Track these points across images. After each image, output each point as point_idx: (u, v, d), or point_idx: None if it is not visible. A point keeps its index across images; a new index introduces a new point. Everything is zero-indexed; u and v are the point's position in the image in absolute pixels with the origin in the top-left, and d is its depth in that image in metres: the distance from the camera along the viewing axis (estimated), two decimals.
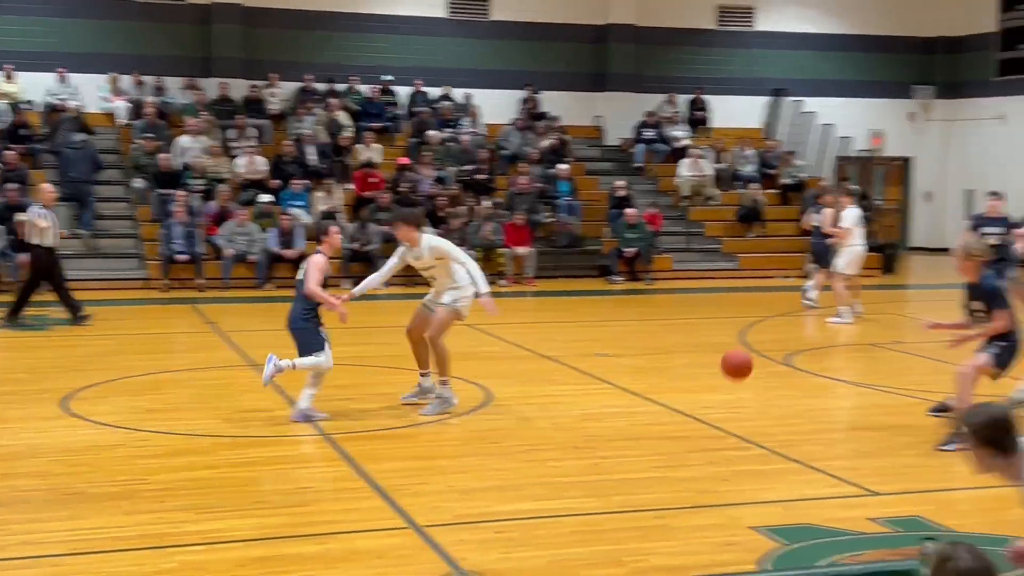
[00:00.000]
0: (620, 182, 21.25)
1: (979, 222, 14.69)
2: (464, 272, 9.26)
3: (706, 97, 24.36)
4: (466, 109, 22.84)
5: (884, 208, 23.99)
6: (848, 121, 24.86)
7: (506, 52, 23.83)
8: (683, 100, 24.16)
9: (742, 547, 6.12)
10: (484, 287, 9.20)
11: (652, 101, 23.88)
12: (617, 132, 23.90)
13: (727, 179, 22.86)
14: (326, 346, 8.95)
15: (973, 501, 7.13)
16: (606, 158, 23.61)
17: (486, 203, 20.20)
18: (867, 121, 25.82)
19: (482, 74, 23.52)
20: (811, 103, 24.62)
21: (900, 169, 26.68)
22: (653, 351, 12.72)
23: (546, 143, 22.10)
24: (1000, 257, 12.55)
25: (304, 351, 8.93)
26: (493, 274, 19.42)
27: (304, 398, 8.99)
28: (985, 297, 8.33)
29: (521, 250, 19.58)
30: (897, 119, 26.28)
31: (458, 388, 10.56)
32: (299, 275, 9.14)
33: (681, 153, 22.83)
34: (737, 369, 8.11)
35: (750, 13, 25.14)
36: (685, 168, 22.19)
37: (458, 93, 23.17)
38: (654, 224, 20.63)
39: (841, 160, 24.53)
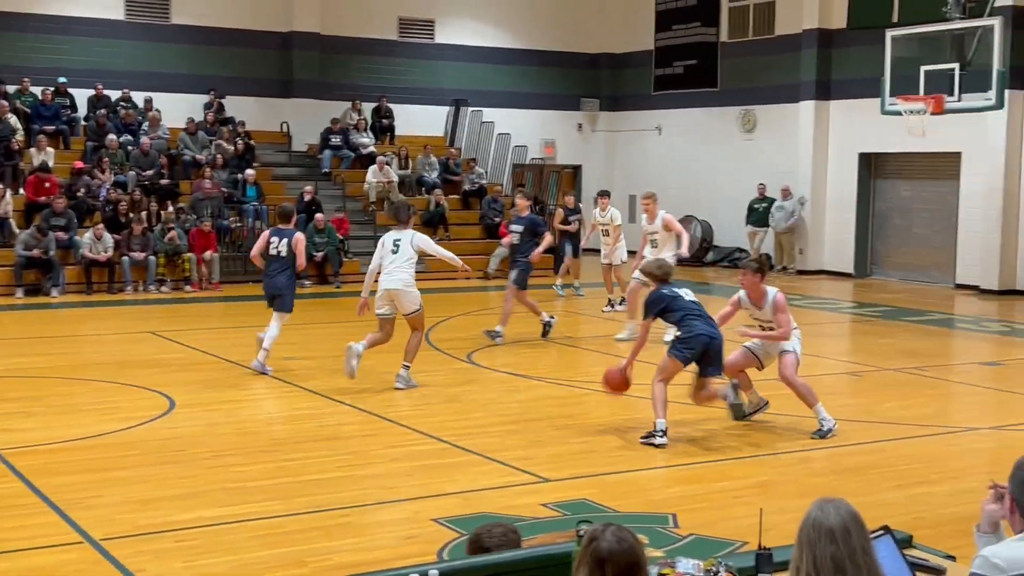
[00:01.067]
0: (308, 187, 21.01)
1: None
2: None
3: (391, 105, 24.51)
4: (146, 114, 21.87)
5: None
6: (524, 131, 25.73)
7: (189, 56, 23.02)
8: (368, 108, 24.20)
9: (424, 539, 6.19)
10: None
11: (338, 108, 23.77)
12: (304, 138, 23.63)
13: (412, 185, 23.10)
14: None
15: (634, 482, 7.53)
16: (293, 163, 23.28)
17: (170, 208, 19.44)
18: (541, 131, 26.83)
19: (164, 78, 22.60)
20: (490, 113, 25.29)
21: (571, 176, 27.88)
22: (342, 353, 12.64)
23: (231, 148, 21.52)
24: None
25: None
26: (178, 280, 18.74)
27: None
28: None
29: (206, 255, 18.98)
30: (568, 129, 27.46)
31: (139, 397, 10.11)
32: None
33: (368, 159, 22.86)
34: (615, 387, 8.78)
35: (430, 26, 25.51)
36: (372, 174, 22.24)
37: (139, 97, 22.16)
38: (342, 229, 20.54)
39: (517, 167, 25.34)
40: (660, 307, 8.66)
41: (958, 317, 17.26)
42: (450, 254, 11.46)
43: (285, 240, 11.31)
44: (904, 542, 4.04)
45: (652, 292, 8.94)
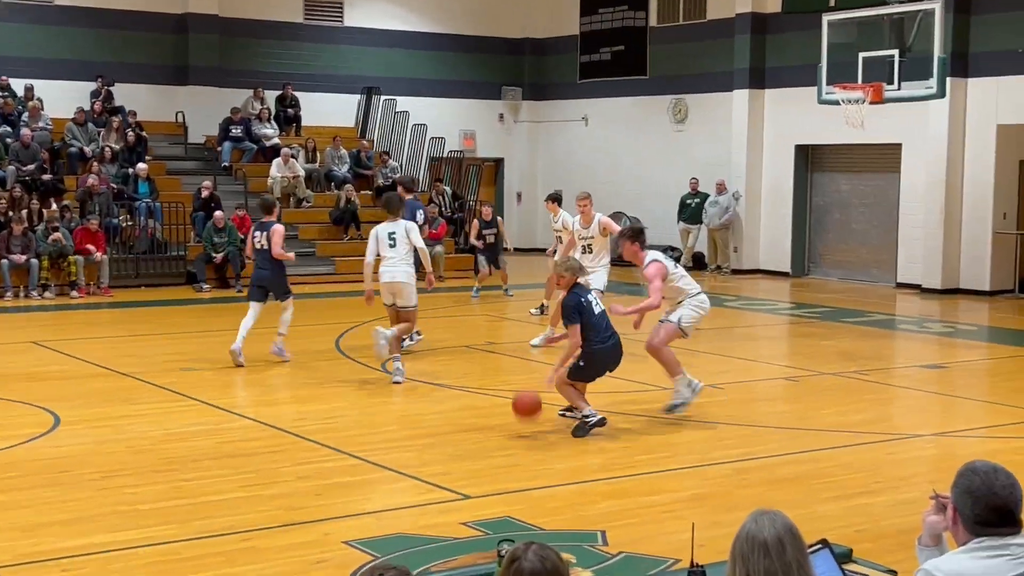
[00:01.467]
0: (206, 182, 20.75)
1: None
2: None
3: (296, 93, 24.32)
4: (27, 103, 21.41)
5: (478, 208, 24.95)
6: (441, 121, 25.70)
7: (74, 40, 22.60)
8: (271, 96, 23.99)
9: (335, 563, 6.14)
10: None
11: (238, 97, 23.52)
12: (201, 129, 23.33)
13: (320, 179, 22.95)
14: None
15: (561, 497, 7.56)
16: (190, 157, 22.98)
17: (53, 206, 19.06)
18: (459, 121, 26.82)
19: (46, 64, 22.16)
20: (404, 102, 25.22)
21: (492, 170, 27.93)
22: (245, 362, 12.50)
23: (121, 140, 21.18)
24: None
25: None
26: (64, 284, 18.38)
27: None
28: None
29: (95, 257, 18.64)
30: (488, 120, 27.49)
31: (20, 413, 9.92)
32: None
33: (272, 152, 22.65)
34: (528, 411, 8.85)
35: (339, 7, 25.38)
36: (276, 168, 22.04)
37: (19, 85, 21.69)
38: (244, 228, 20.32)
39: (434, 160, 25.32)
40: (580, 311, 8.97)
41: (899, 318, 17.64)
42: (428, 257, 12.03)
43: (266, 233, 12.25)
44: (843, 556, 4.12)
45: (567, 296, 9.09)
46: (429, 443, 8.97)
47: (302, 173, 22.29)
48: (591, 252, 13.20)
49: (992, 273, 19.43)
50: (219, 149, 22.86)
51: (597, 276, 12.72)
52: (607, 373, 9.37)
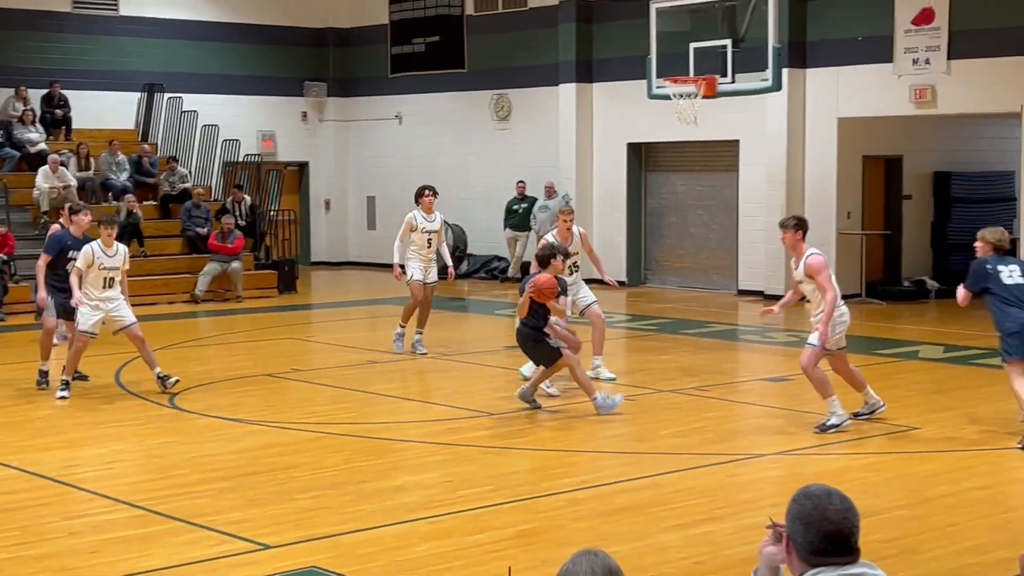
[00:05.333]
0: None
1: None
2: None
3: (65, 92, 23.60)
4: None
5: (280, 219, 24.66)
6: (236, 122, 25.28)
7: None
8: (36, 96, 23.22)
9: None
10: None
11: None
12: None
13: (96, 189, 22.29)
14: None
15: (375, 542, 7.49)
16: None
17: None
18: (257, 122, 26.46)
19: None
20: (191, 100, 24.73)
21: (296, 175, 27.63)
22: (6, 402, 12.04)
23: None
24: None
25: None
26: None
27: None
28: None
29: None
30: (290, 119, 27.20)
31: None
32: None
33: (37, 159, 21.92)
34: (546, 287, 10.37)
35: None
36: (43, 177, 21.32)
37: None
38: (6, 247, 19.57)
39: (229, 166, 24.90)
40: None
41: (742, 328, 18.14)
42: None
43: None
44: None
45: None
46: (224, 487, 8.78)
47: (74, 183, 21.60)
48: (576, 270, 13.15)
49: (837, 277, 20.00)
50: None
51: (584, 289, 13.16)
52: None
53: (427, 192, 14.83)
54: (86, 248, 12.01)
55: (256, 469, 9.30)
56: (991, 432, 10.49)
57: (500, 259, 24.42)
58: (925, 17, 18.71)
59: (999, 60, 18.08)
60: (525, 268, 23.86)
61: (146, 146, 23.70)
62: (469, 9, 25.17)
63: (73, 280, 12.02)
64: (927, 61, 18.70)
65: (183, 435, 10.66)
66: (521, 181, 23.66)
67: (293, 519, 7.97)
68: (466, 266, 24.70)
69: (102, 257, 11.99)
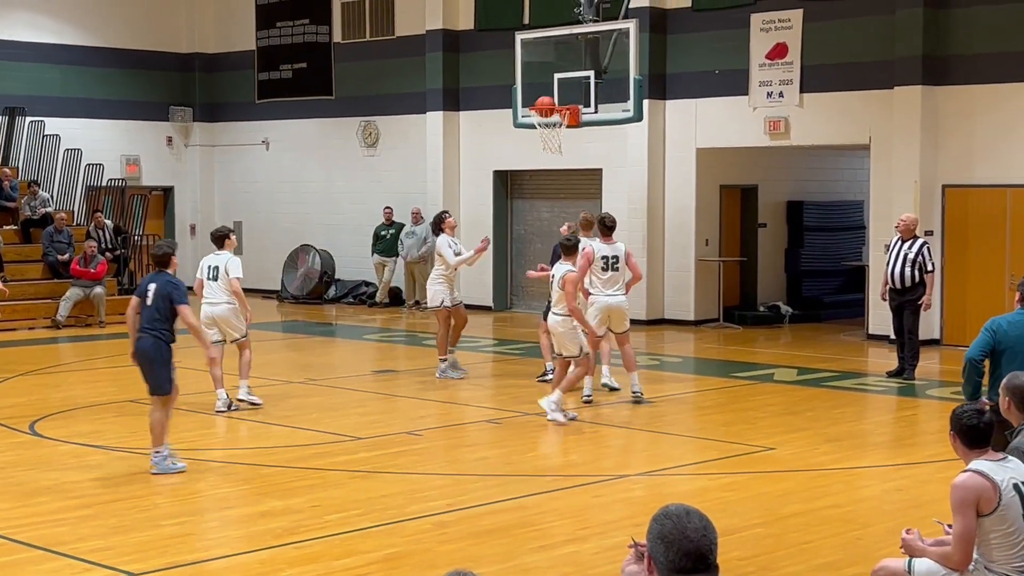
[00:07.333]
0: None
1: None
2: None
3: None
4: None
5: (145, 244, 24.18)
6: (99, 146, 24.76)
7: None
8: None
9: None
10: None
11: None
12: None
13: None
14: None
15: (241, 568, 7.38)
16: None
17: None
18: (121, 146, 25.96)
19: None
20: (54, 124, 24.17)
21: (161, 199, 27.15)
22: None
23: None
24: None
25: None
26: None
27: None
28: None
29: None
30: (155, 144, 26.73)
31: None
32: None
33: None
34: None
35: None
36: None
37: None
38: None
39: (92, 190, 24.36)
40: None
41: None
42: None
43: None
44: None
45: None
46: (87, 514, 8.57)
47: None
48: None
49: (696, 302, 20.50)
50: None
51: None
52: None
53: (448, 215, 15.58)
54: None
55: (119, 496, 9.09)
56: (843, 452, 10.76)
57: (368, 284, 24.29)
58: (779, 52, 19.20)
59: (849, 94, 18.62)
60: (394, 293, 23.82)
61: (6, 170, 23.06)
62: (337, 36, 25.07)
63: None
64: (781, 94, 19.18)
65: (44, 462, 10.37)
66: (388, 207, 23.60)
67: (157, 546, 7.81)
68: (334, 291, 24.53)
69: None
